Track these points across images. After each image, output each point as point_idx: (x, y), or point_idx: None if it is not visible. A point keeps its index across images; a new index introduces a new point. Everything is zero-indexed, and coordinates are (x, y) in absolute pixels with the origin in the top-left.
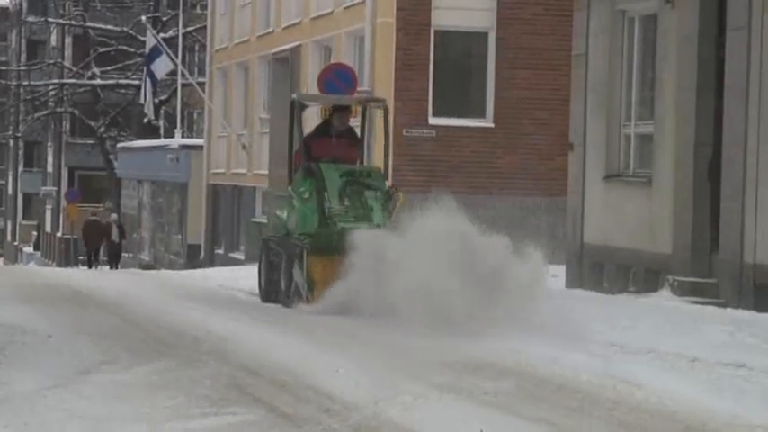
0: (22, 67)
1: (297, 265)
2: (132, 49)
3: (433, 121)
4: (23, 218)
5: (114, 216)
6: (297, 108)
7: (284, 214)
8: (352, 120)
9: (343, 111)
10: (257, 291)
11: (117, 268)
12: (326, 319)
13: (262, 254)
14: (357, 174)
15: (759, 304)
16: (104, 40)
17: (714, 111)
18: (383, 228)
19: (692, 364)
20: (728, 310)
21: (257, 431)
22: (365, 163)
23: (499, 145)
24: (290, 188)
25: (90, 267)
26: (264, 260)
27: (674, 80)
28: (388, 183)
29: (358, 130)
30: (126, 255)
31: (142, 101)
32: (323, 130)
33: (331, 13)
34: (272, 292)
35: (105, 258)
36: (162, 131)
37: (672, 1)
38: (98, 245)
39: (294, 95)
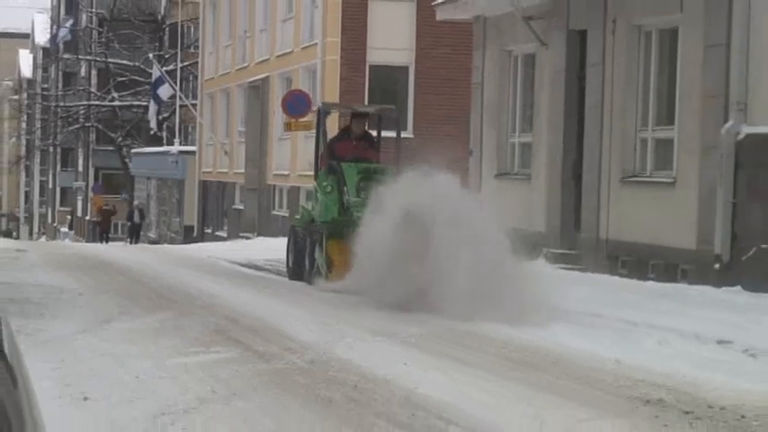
0: (59, 93)
1: (318, 248)
2: (142, 79)
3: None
4: (60, 205)
5: (137, 203)
6: (322, 114)
7: (309, 205)
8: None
9: (360, 117)
10: (241, 261)
11: (137, 243)
12: (297, 285)
13: (290, 239)
14: (372, 171)
15: (611, 269)
16: (121, 71)
17: (577, 127)
18: None
19: (563, 313)
20: (588, 274)
21: (236, 364)
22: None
23: (417, 151)
24: (314, 183)
25: (104, 242)
26: (292, 244)
27: (547, 103)
28: None
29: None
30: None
31: (149, 118)
32: (344, 134)
33: (291, 52)
34: (297, 271)
35: (124, 235)
36: (164, 140)
37: (546, 44)
38: (108, 225)
39: (320, 104)
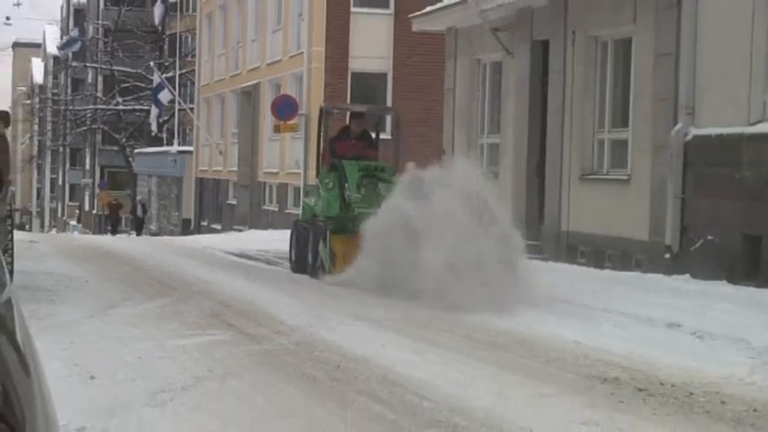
0: (69, 97)
1: (321, 243)
2: (144, 85)
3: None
4: (69, 200)
5: (140, 198)
6: (325, 115)
7: (311, 201)
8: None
9: (359, 117)
10: (234, 252)
11: (140, 235)
12: (284, 274)
13: (293, 233)
14: (372, 169)
15: (571, 259)
16: (125, 78)
17: (540, 128)
18: None
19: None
20: (550, 263)
21: (229, 346)
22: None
23: (393, 151)
24: (317, 180)
25: (113, 235)
26: (295, 238)
27: (513, 107)
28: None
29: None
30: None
31: (150, 120)
32: (344, 133)
33: (280, 60)
34: (300, 265)
35: (128, 228)
36: (164, 141)
37: (512, 53)
38: (116, 218)
39: (322, 104)
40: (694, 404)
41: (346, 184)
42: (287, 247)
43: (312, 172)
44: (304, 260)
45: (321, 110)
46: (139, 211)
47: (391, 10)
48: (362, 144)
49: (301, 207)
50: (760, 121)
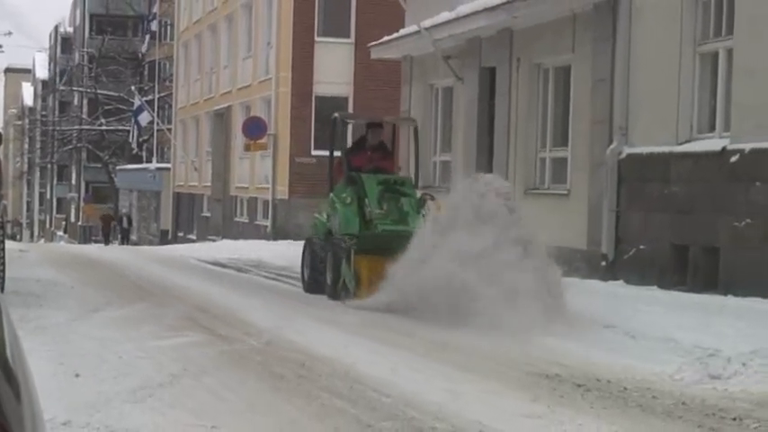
0: (56, 119)
1: (345, 263)
2: (125, 107)
3: (314, 152)
4: (57, 213)
5: (125, 211)
6: (339, 125)
7: (323, 216)
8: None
9: (376, 127)
10: (208, 260)
11: (126, 245)
12: (254, 279)
13: (305, 251)
14: (392, 182)
15: None
16: (108, 101)
17: (488, 147)
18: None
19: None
20: None
21: (204, 346)
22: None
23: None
24: (331, 195)
25: (106, 244)
26: (308, 256)
27: (463, 127)
28: (424, 191)
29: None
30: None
31: (131, 140)
32: (360, 144)
33: (250, 85)
34: (314, 284)
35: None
36: (144, 159)
37: (462, 79)
38: (109, 229)
39: (336, 114)
40: (628, 399)
41: (366, 199)
42: (256, 256)
43: (281, 187)
44: (319, 280)
45: (334, 120)
46: (125, 223)
47: (352, 39)
48: (379, 156)
49: (313, 222)
50: (687, 141)
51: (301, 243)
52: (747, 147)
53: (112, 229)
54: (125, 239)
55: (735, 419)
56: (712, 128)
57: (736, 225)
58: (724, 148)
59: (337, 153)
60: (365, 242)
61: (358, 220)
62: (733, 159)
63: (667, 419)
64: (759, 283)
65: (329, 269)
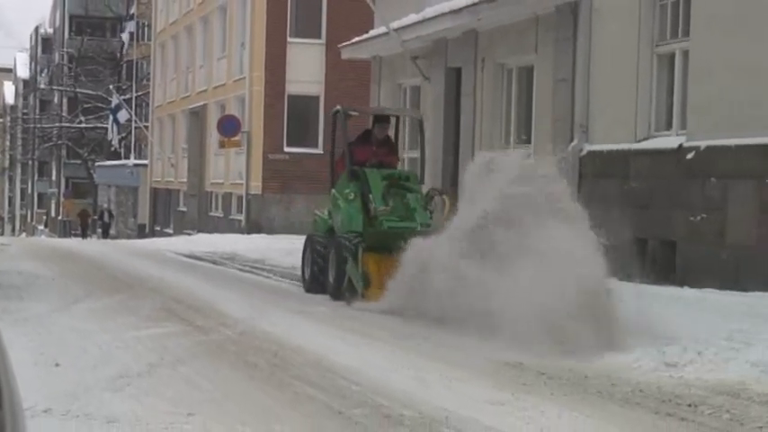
0: (37, 117)
1: (351, 262)
2: (104, 105)
3: (287, 149)
4: (38, 208)
5: (105, 206)
6: (341, 117)
7: (325, 213)
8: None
9: (382, 121)
10: (184, 253)
11: (106, 238)
12: (229, 271)
13: (306, 249)
14: (397, 177)
15: None
16: (87, 99)
17: (454, 144)
18: (432, 228)
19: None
20: None
21: (180, 336)
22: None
23: (326, 164)
24: (333, 191)
25: (84, 238)
26: (309, 255)
27: (430, 125)
28: (433, 186)
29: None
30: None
31: (110, 137)
32: (364, 138)
33: (225, 84)
34: (315, 283)
35: (100, 230)
36: (122, 155)
37: (428, 78)
38: (86, 224)
39: (338, 107)
40: (588, 386)
41: (370, 195)
42: (230, 250)
43: (254, 183)
44: (320, 279)
45: (335, 113)
46: (106, 217)
47: (323, 40)
48: (384, 150)
49: (314, 219)
50: (645, 139)
51: (275, 237)
52: (703, 144)
53: (90, 224)
54: (105, 233)
55: (690, 406)
56: (669, 126)
57: (692, 219)
58: (680, 146)
59: (335, 150)
60: (371, 240)
61: (362, 217)
62: (689, 156)
63: (625, 405)
64: (713, 275)
65: (332, 268)
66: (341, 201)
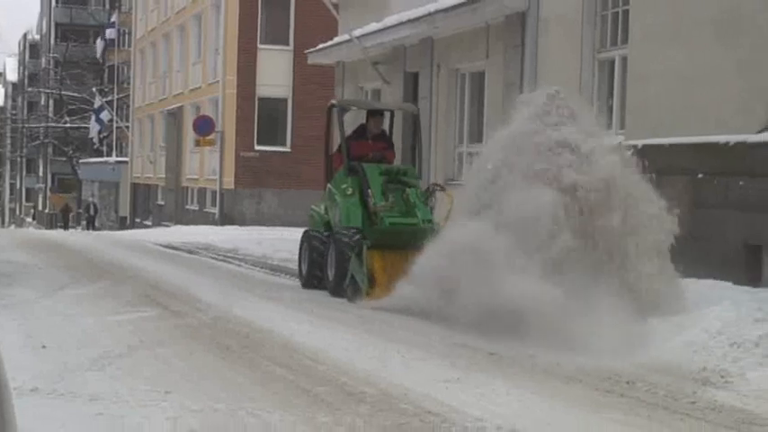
0: (25, 117)
1: (355, 260)
2: (87, 107)
3: (257, 147)
4: (26, 201)
5: (92, 199)
6: (337, 112)
7: (321, 208)
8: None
9: (377, 115)
10: (162, 243)
11: (92, 231)
12: (204, 260)
13: (303, 244)
14: (395, 172)
15: None
16: (72, 101)
17: (412, 142)
18: (434, 224)
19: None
20: None
21: (157, 320)
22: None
23: (293, 161)
24: (329, 185)
25: (65, 230)
26: (307, 251)
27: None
28: (433, 182)
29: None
30: (85, 223)
31: (92, 136)
32: (360, 132)
33: (200, 87)
34: (313, 280)
35: (85, 222)
36: (105, 153)
37: (388, 82)
38: (68, 218)
39: (333, 101)
40: (535, 366)
41: (369, 190)
42: (205, 240)
43: (227, 179)
44: (318, 276)
45: (330, 108)
46: (92, 210)
47: (291, 47)
48: (381, 145)
49: (310, 214)
50: None
51: (246, 228)
52: (639, 143)
53: (74, 216)
54: (90, 225)
55: (627, 383)
56: (609, 126)
57: None
58: (619, 144)
59: (330, 145)
60: (372, 236)
61: (361, 213)
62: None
63: (569, 383)
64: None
65: (331, 265)
66: (338, 196)
